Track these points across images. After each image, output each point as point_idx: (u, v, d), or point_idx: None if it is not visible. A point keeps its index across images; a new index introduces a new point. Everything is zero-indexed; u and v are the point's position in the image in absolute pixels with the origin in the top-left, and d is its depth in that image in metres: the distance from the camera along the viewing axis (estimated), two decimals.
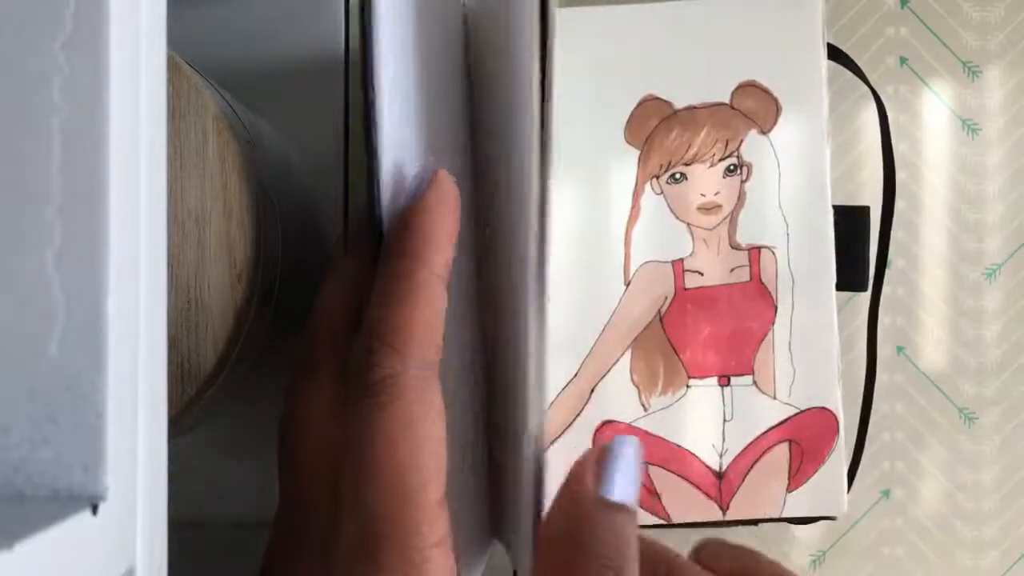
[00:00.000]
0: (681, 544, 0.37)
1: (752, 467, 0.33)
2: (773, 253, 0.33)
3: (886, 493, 0.38)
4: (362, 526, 0.22)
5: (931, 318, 0.38)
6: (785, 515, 0.33)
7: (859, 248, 0.33)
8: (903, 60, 0.38)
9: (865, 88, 0.38)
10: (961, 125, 0.38)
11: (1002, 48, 0.38)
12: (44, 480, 0.16)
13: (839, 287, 0.32)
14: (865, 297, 0.37)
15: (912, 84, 0.38)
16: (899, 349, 0.38)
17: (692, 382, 0.33)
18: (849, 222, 0.32)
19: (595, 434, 0.33)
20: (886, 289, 0.38)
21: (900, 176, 0.38)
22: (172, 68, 0.25)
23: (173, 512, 0.19)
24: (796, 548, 0.38)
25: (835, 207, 0.32)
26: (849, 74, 0.38)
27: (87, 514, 0.15)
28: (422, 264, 0.23)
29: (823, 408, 0.33)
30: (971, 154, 0.38)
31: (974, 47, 0.38)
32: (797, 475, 0.33)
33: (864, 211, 0.33)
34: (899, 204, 0.38)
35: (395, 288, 0.23)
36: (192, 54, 0.28)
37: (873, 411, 0.37)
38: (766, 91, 0.33)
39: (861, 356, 0.37)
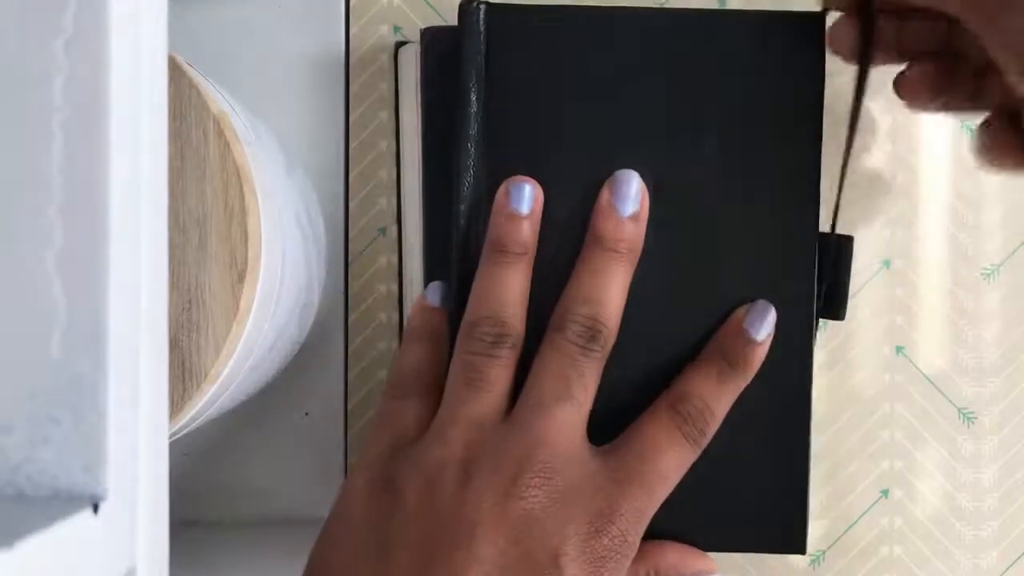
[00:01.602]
0: None
1: None
2: None
3: (885, 493, 0.38)
4: None
5: (931, 318, 0.38)
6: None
7: (840, 277, 0.32)
8: None
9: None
10: (960, 125, 0.38)
11: None
12: (45, 480, 0.16)
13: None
14: (865, 297, 0.37)
15: None
16: (899, 349, 0.38)
17: None
18: (830, 249, 0.32)
19: None
20: (886, 290, 0.38)
21: (900, 177, 0.38)
22: (172, 68, 0.25)
23: (173, 512, 0.19)
24: None
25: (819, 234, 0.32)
26: (849, 74, 0.38)
27: (88, 514, 0.15)
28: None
29: None
30: (970, 154, 0.38)
31: None
32: None
33: (847, 240, 0.33)
34: (899, 204, 0.38)
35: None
36: (192, 54, 0.28)
37: (873, 411, 0.37)
38: None
39: (859, 357, 0.38)
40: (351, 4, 0.38)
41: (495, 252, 0.30)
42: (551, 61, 0.31)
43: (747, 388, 0.31)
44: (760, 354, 0.30)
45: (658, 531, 0.30)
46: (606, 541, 0.26)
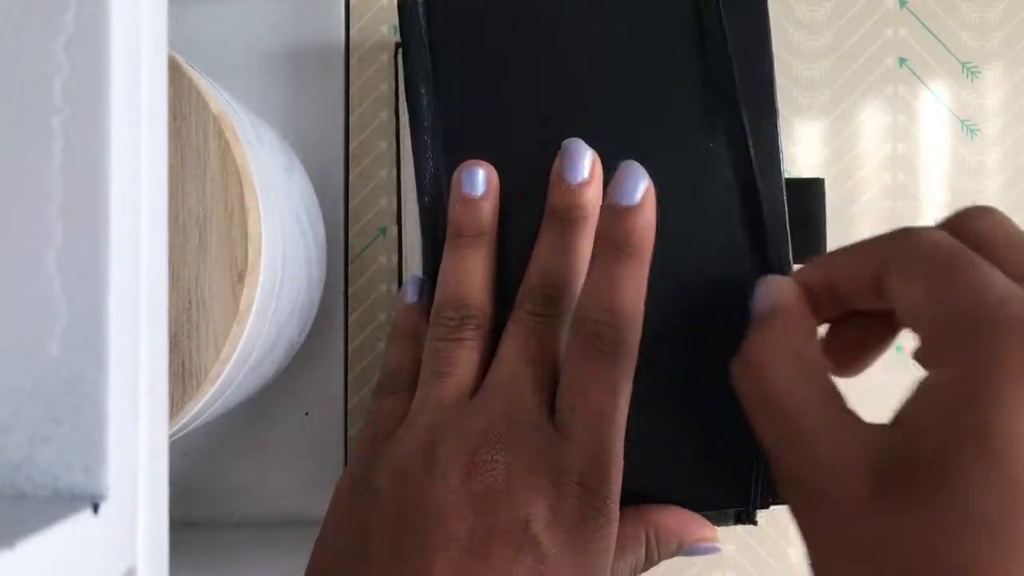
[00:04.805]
0: None
1: None
2: None
3: None
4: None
5: None
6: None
7: (813, 218, 0.32)
8: (902, 61, 0.39)
9: (864, 88, 0.38)
10: (960, 126, 0.38)
11: (1001, 48, 0.39)
12: (45, 479, 0.16)
13: (795, 257, 0.31)
14: None
15: (911, 85, 0.39)
16: (898, 348, 0.38)
17: None
18: (801, 194, 0.32)
19: None
20: None
21: (900, 176, 0.38)
22: (172, 68, 0.25)
23: (173, 512, 0.19)
24: (795, 547, 0.38)
25: (787, 180, 0.32)
26: (848, 74, 0.38)
27: (88, 513, 0.15)
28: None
29: None
30: (970, 154, 0.38)
31: (973, 48, 0.38)
32: None
33: (817, 183, 0.33)
34: (899, 204, 0.38)
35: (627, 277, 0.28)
36: (192, 54, 0.28)
37: (872, 411, 0.37)
38: None
39: None
40: (351, 4, 0.38)
41: (453, 238, 0.30)
42: (494, 41, 0.31)
43: (729, 338, 0.30)
44: (643, 222, 0.28)
45: (663, 496, 0.29)
46: (573, 501, 0.26)
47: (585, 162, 0.30)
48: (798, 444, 0.22)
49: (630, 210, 0.28)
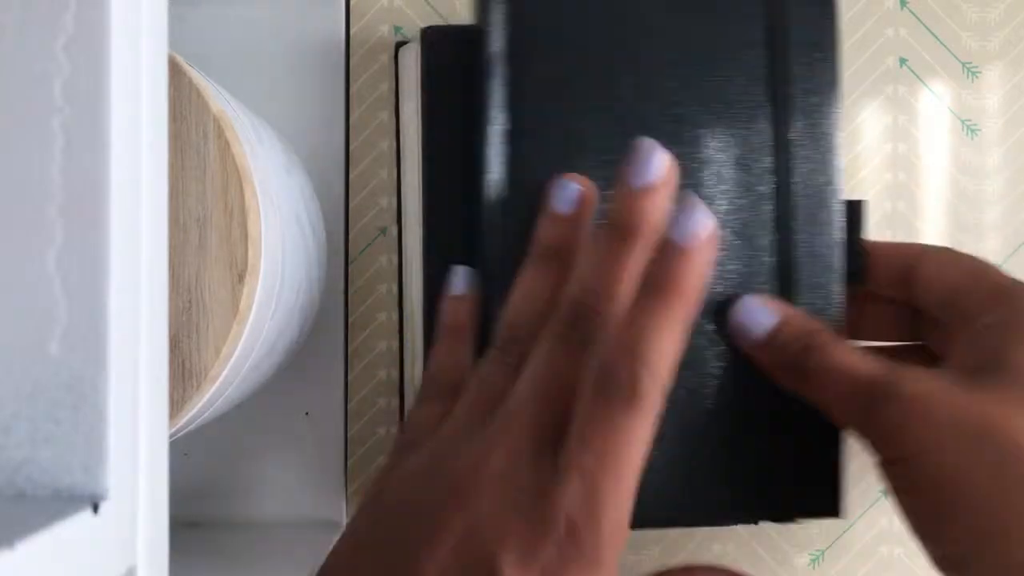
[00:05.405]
0: (683, 541, 0.37)
1: None
2: None
3: (885, 493, 0.38)
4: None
5: None
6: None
7: (853, 239, 0.32)
8: (903, 61, 0.39)
9: (865, 87, 0.38)
10: (960, 126, 0.38)
11: (1001, 49, 0.39)
12: (45, 479, 0.16)
13: None
14: None
15: (911, 85, 0.39)
16: None
17: None
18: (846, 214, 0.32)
19: None
20: None
21: (900, 176, 0.38)
22: (172, 68, 0.25)
23: (173, 512, 0.19)
24: (795, 548, 0.38)
25: None
26: (849, 74, 0.39)
27: (88, 513, 0.15)
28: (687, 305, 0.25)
29: None
30: (970, 154, 0.38)
31: (973, 48, 0.38)
32: None
33: (859, 204, 0.33)
34: (899, 204, 0.38)
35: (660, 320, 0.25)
36: (192, 54, 0.28)
37: None
38: None
39: None
40: (351, 4, 0.38)
41: (535, 254, 0.29)
42: (570, 41, 0.31)
43: (737, 353, 0.30)
44: (696, 267, 0.25)
45: (670, 507, 0.29)
46: (552, 546, 0.23)
47: (653, 165, 0.26)
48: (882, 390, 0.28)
49: (685, 252, 0.24)
